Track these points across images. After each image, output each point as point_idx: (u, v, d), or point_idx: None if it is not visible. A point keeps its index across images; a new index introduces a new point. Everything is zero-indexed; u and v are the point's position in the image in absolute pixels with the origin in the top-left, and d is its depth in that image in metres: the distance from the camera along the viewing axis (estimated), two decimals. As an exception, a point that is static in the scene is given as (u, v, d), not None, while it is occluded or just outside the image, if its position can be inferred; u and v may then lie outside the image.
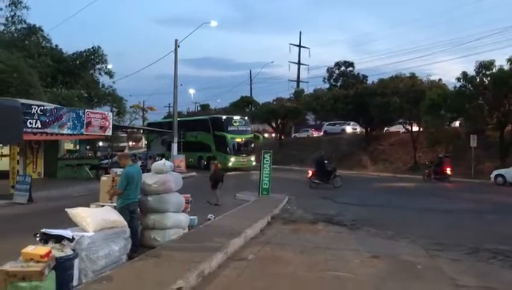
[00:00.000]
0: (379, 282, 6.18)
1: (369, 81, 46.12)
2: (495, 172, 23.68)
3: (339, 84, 50.14)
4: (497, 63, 26.03)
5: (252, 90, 60.30)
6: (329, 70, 51.89)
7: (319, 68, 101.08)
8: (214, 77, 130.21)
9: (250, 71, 61.77)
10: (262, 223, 10.25)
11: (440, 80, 34.63)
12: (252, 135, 33.90)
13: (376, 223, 11.00)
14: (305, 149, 39.20)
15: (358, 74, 50.35)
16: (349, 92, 38.35)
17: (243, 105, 51.78)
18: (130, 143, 53.89)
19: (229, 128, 31.85)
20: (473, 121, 27.91)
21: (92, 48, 30.61)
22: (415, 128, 33.20)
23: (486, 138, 28.10)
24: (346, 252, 7.93)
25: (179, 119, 37.22)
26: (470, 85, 27.17)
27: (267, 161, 15.91)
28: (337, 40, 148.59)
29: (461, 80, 27.52)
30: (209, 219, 10.36)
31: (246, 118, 34.88)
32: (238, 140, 31.82)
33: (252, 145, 33.19)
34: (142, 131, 40.26)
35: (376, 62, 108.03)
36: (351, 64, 51.01)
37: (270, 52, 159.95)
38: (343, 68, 51.35)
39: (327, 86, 50.80)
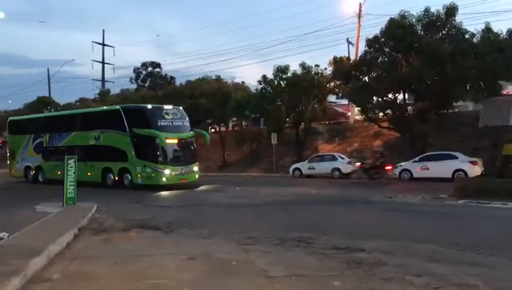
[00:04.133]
0: (197, 284, 6.11)
1: (177, 83, 46.67)
2: (293, 166, 26.35)
3: (146, 84, 49.52)
4: (292, 68, 29.19)
5: (51, 90, 55.38)
6: (136, 71, 50.96)
7: (125, 68, 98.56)
8: (3, 75, 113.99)
9: (48, 69, 56.50)
10: (68, 236, 9.26)
11: (243, 82, 37.20)
12: (193, 133, 22.44)
13: (190, 223, 11.03)
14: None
15: (166, 75, 50.46)
16: (158, 93, 38.27)
17: (41, 106, 47.07)
18: None
19: (160, 123, 20.60)
20: (273, 121, 30.65)
21: None
22: (223, 128, 34.88)
23: (285, 135, 31.11)
24: (162, 257, 7.68)
25: (70, 112, 29.33)
26: (269, 88, 29.83)
27: (71, 167, 14.52)
28: (143, 40, 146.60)
29: (262, 83, 30.08)
30: (1, 239, 8.92)
31: (181, 108, 23.42)
32: (174, 141, 21.14)
33: (194, 148, 22.57)
34: None
35: (182, 64, 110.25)
36: (158, 65, 50.90)
37: (71, 49, 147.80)
38: (150, 69, 50.88)
39: (135, 86, 49.79)
